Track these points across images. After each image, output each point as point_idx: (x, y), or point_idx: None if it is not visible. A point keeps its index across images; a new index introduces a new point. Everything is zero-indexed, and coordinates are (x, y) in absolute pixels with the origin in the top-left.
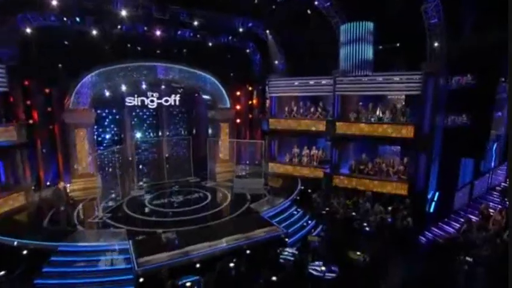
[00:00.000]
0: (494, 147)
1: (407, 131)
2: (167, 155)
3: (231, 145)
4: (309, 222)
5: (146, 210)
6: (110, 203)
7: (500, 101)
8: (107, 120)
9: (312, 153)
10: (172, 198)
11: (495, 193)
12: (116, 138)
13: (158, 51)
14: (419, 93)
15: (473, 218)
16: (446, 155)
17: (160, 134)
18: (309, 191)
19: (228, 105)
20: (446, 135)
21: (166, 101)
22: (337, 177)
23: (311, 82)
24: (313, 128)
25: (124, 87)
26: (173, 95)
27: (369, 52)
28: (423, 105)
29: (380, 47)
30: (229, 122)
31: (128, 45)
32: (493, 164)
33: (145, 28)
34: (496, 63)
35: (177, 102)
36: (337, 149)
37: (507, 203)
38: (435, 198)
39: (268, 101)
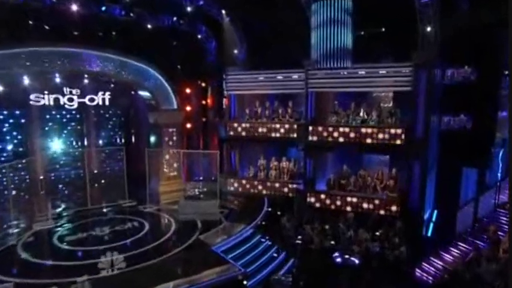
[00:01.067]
0: (500, 154)
1: (397, 136)
2: (95, 171)
3: (179, 157)
4: (277, 255)
5: (52, 250)
6: None
7: (505, 98)
8: (6, 125)
9: (282, 165)
10: (94, 231)
11: (504, 211)
12: (21, 149)
13: (75, 33)
14: (409, 89)
15: (480, 244)
16: (444, 165)
17: (85, 143)
18: (278, 213)
19: (175, 106)
20: (443, 141)
21: (92, 100)
22: (312, 195)
23: (279, 77)
24: (283, 134)
25: (27, 81)
26: (100, 93)
27: (347, 38)
28: (415, 104)
29: (362, 32)
30: (177, 127)
31: (31, 22)
32: (499, 175)
33: None
34: (499, 52)
35: (107, 102)
36: (312, 160)
37: None
38: (434, 219)
39: (226, 101)
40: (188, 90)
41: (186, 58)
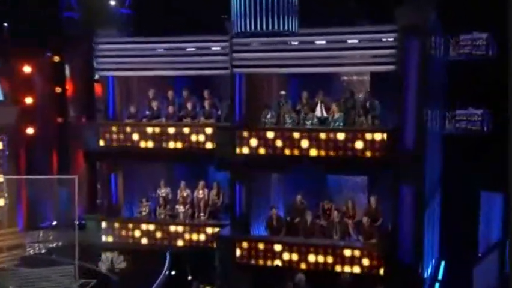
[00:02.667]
0: None
1: (376, 145)
2: None
3: (12, 187)
4: None
5: None
6: None
7: None
8: None
9: (197, 195)
10: None
11: None
12: None
13: None
14: (393, 68)
15: None
16: (452, 189)
17: None
18: (189, 277)
19: (0, 97)
20: (450, 151)
21: None
22: (244, 243)
23: (189, 48)
24: (197, 144)
25: None
26: None
27: None
28: (402, 93)
29: None
30: (7, 133)
31: None
32: None
33: None
34: None
35: None
36: (244, 187)
37: None
38: (440, 277)
39: (98, 87)
40: (27, 69)
41: (22, 10)
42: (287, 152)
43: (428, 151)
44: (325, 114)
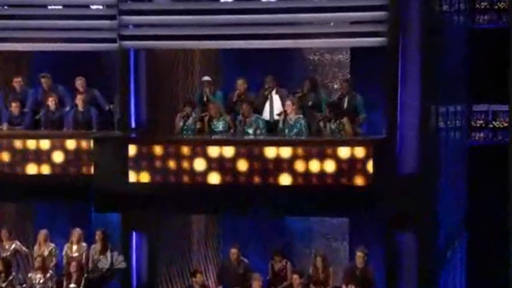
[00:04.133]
0: None
1: (357, 166)
2: None
3: None
4: None
5: None
6: None
7: None
8: None
9: (66, 252)
10: None
11: None
12: None
13: None
14: (383, 41)
15: None
16: (484, 237)
17: None
18: None
19: None
20: (477, 169)
21: None
22: None
23: (56, 6)
24: (63, 168)
25: None
26: None
27: None
28: (395, 79)
29: None
30: None
31: None
32: None
33: None
34: None
35: None
36: (146, 236)
37: None
38: None
39: None
40: None
41: None
42: (214, 178)
43: (443, 174)
44: (276, 117)
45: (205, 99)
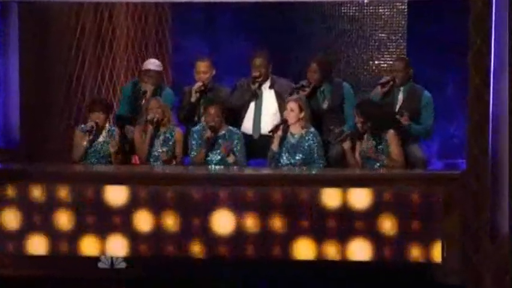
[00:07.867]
0: None
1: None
2: None
3: None
4: None
5: None
6: None
7: None
8: None
9: None
10: None
11: None
12: None
13: None
14: None
15: None
16: None
17: None
18: None
19: None
20: None
21: None
22: None
23: None
24: None
25: None
26: None
27: None
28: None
29: None
30: None
31: None
32: None
33: None
34: None
35: None
36: None
37: None
38: None
39: None
40: None
41: None
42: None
43: None
44: (267, 131)
45: (142, 101)
